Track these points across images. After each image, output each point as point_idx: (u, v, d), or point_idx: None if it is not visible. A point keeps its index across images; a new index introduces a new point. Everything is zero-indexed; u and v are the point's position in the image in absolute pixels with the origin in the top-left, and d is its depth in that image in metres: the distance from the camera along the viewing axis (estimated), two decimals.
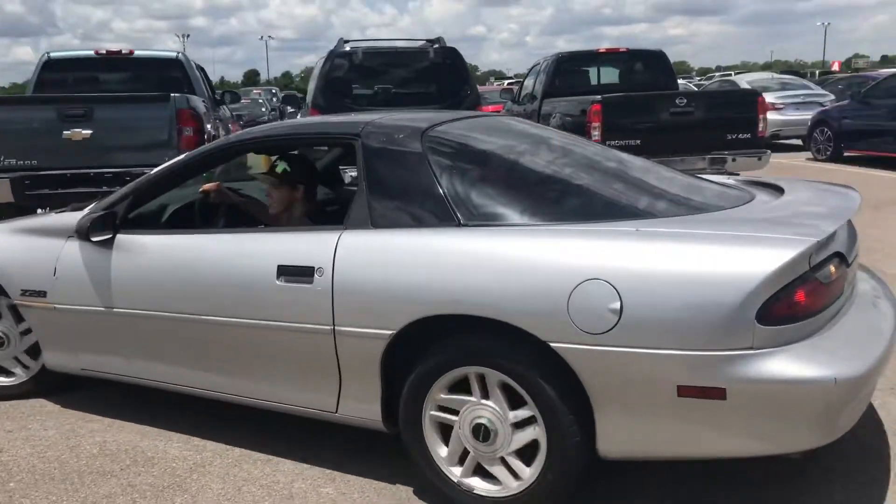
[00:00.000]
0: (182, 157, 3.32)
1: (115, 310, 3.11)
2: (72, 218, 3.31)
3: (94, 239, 3.10)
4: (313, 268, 2.59)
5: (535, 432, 2.33)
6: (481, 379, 2.39)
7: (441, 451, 2.51)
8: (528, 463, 2.37)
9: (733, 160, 7.71)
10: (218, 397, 3.02)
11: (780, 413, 2.06)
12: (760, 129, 7.85)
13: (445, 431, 2.52)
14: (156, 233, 3.17)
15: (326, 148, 4.30)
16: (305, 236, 2.71)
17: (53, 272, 3.26)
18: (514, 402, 2.36)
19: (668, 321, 2.08)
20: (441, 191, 2.53)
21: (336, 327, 2.55)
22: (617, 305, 2.12)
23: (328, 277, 2.54)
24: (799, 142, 13.59)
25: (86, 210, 3.37)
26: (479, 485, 2.46)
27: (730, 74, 27.60)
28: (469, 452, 2.46)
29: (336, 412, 2.69)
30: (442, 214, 2.49)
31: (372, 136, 2.76)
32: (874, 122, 11.11)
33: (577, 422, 2.25)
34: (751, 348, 2.05)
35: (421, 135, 2.73)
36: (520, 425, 2.36)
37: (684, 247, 2.18)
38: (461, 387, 2.45)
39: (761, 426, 2.09)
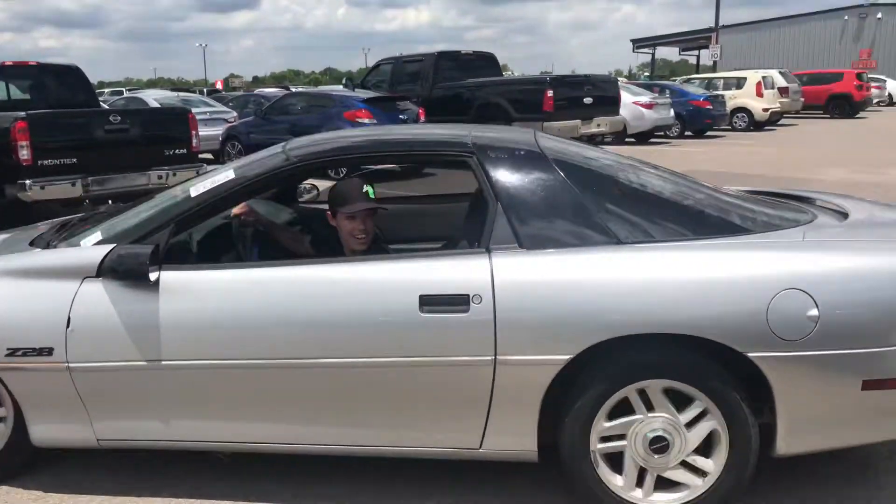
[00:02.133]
0: (232, 175, 2.73)
1: (166, 362, 2.56)
2: (79, 255, 2.65)
3: (153, 278, 2.52)
4: (468, 296, 2.40)
5: (718, 442, 2.42)
6: (647, 393, 2.42)
7: (615, 480, 2.49)
8: (703, 473, 2.46)
9: (174, 175, 8.07)
10: (316, 451, 2.67)
11: None
12: (194, 144, 8.39)
13: (614, 457, 2.50)
14: (225, 267, 2.68)
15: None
16: (442, 262, 2.49)
17: (67, 323, 2.56)
18: (684, 408, 2.42)
19: (858, 323, 2.29)
20: (590, 210, 2.52)
21: (498, 356, 2.39)
22: (815, 312, 2.28)
23: (488, 305, 2.38)
24: (211, 156, 14.62)
25: (91, 240, 2.72)
26: (661, 498, 2.49)
27: (121, 91, 27.37)
28: (645, 470, 2.48)
29: (480, 448, 2.53)
30: (598, 234, 2.47)
31: (488, 151, 2.68)
32: (275, 135, 12.55)
33: (757, 425, 2.38)
34: None
35: (540, 152, 2.71)
36: (701, 435, 2.43)
37: (859, 253, 2.40)
38: (624, 408, 2.44)
39: None
